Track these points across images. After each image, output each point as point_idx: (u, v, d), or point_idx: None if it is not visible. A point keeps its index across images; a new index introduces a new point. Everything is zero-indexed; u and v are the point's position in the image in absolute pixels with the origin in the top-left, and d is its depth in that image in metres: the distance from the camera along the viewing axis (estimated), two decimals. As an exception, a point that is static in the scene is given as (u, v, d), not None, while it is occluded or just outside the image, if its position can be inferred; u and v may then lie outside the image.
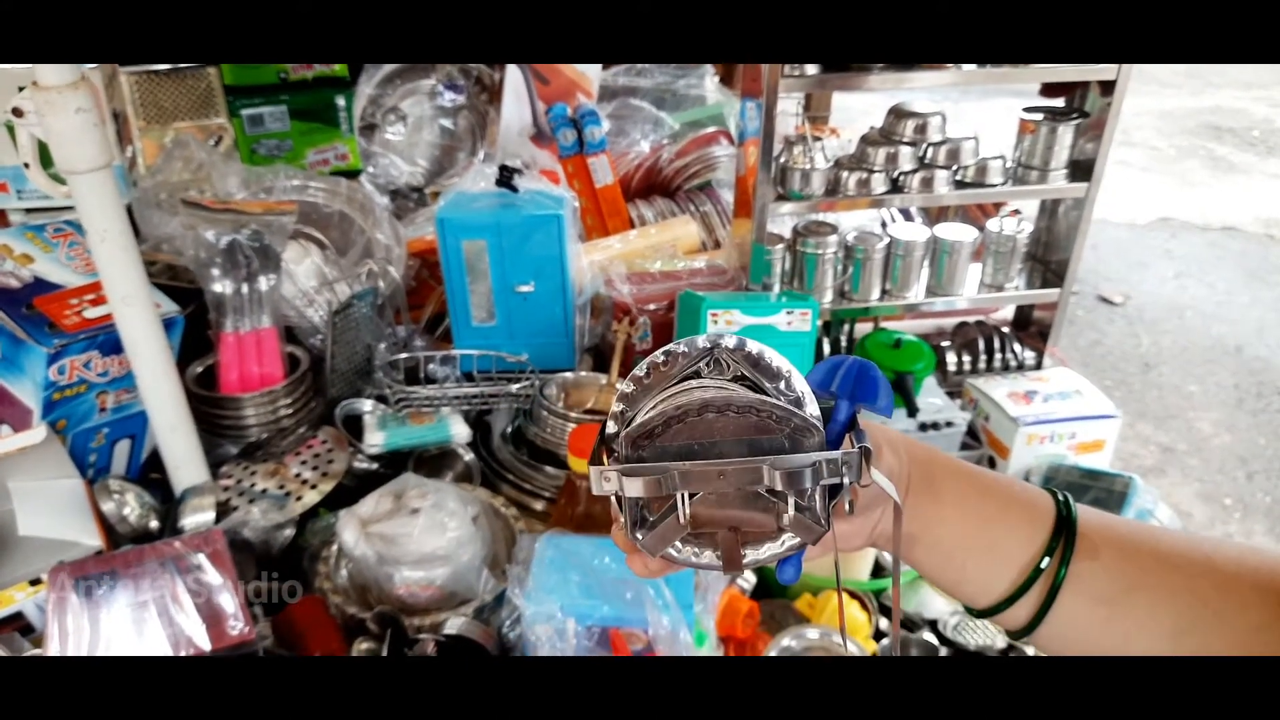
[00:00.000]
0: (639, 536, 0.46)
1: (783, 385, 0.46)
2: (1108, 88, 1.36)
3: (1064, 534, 0.55)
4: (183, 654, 0.89)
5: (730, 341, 0.47)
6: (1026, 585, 0.55)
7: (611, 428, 0.47)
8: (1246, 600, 0.52)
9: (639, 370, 0.48)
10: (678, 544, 0.47)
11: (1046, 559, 0.54)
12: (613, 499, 0.46)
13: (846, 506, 0.47)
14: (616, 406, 0.47)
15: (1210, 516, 2.84)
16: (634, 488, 0.45)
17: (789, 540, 0.46)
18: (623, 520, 0.47)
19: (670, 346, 0.47)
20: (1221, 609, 0.52)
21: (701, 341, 0.47)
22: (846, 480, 0.45)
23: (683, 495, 0.45)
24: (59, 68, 0.94)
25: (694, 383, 0.47)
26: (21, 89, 0.98)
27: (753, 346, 0.47)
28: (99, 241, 1.01)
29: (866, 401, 0.48)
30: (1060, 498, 0.56)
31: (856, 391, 0.48)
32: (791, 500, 0.45)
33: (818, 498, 0.45)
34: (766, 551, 0.47)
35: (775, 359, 0.46)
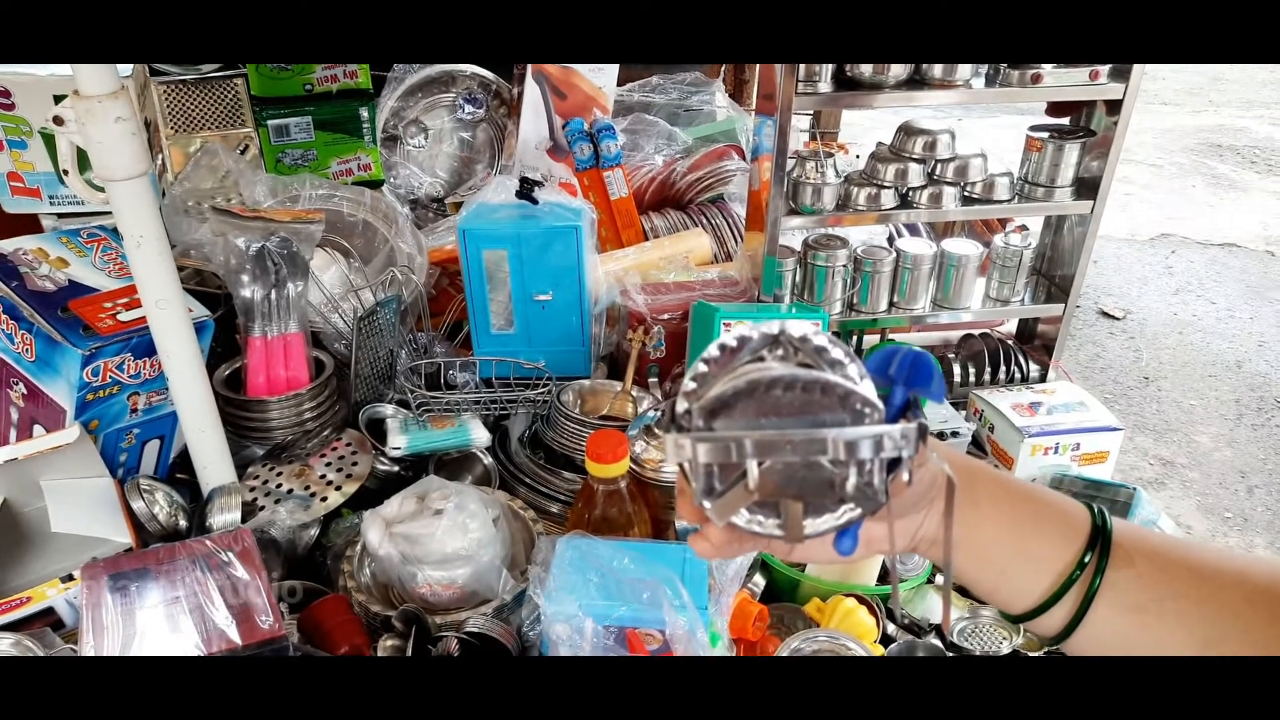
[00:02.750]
0: (707, 505, 0.49)
1: (843, 371, 0.49)
2: (1113, 106, 1.40)
3: (1100, 542, 0.57)
4: (215, 649, 0.92)
5: (795, 330, 0.50)
6: (1063, 590, 0.57)
7: (683, 405, 0.50)
8: (1276, 614, 0.53)
9: (710, 352, 0.51)
10: (743, 512, 0.50)
11: (1082, 566, 0.56)
12: (683, 468, 0.50)
13: (906, 477, 0.49)
14: (689, 384, 0.51)
15: (1210, 530, 2.87)
16: (706, 454, 0.48)
17: (848, 512, 0.49)
18: (693, 488, 0.50)
19: (739, 331, 0.50)
20: (1251, 621, 0.53)
21: (768, 328, 0.50)
22: (905, 454, 0.48)
23: (751, 462, 0.48)
24: (99, 78, 0.97)
25: (760, 364, 0.50)
26: (58, 98, 1.01)
27: (815, 334, 0.50)
28: (135, 247, 1.04)
29: (921, 387, 0.51)
30: (1095, 508, 0.58)
31: (911, 378, 0.51)
32: (853, 471, 0.47)
33: (876, 471, 0.48)
34: (826, 523, 0.50)
35: (836, 347, 0.50)
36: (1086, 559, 0.57)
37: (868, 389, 0.49)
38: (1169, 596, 0.55)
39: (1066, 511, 0.59)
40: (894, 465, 0.49)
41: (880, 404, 0.48)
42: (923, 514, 0.58)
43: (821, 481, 0.48)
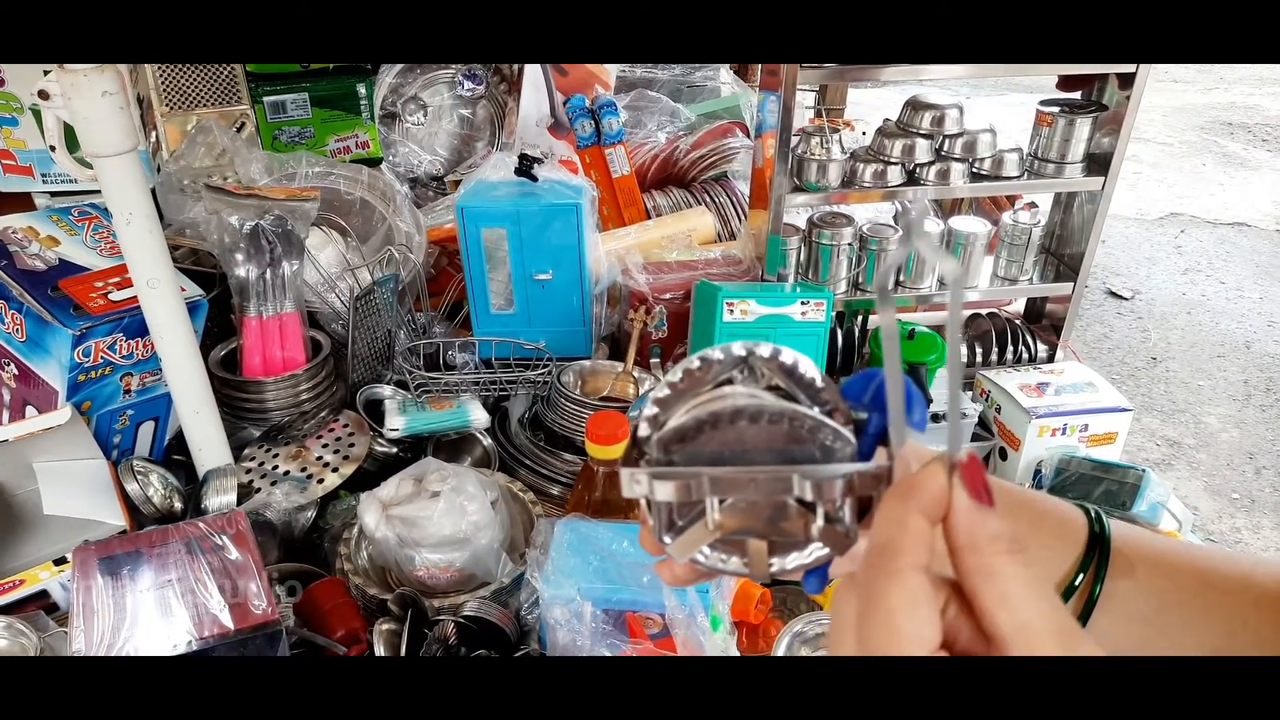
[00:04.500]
0: (667, 540, 0.47)
1: (815, 395, 0.46)
2: (1126, 81, 1.36)
3: (1098, 550, 0.54)
4: (207, 634, 0.91)
5: (765, 350, 0.47)
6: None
7: (644, 430, 0.47)
8: None
9: (673, 375, 0.48)
10: (705, 549, 0.47)
11: (1081, 576, 0.54)
12: (642, 502, 0.47)
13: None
14: (650, 410, 0.47)
15: (1217, 511, 2.85)
16: (663, 491, 0.45)
17: (816, 551, 0.46)
18: (651, 524, 0.47)
19: (705, 353, 0.47)
20: (1260, 628, 0.51)
21: (736, 349, 0.47)
22: (877, 495, 0.44)
23: (712, 500, 0.45)
24: (86, 52, 0.95)
25: (727, 389, 0.47)
26: (47, 72, 0.99)
27: (787, 356, 0.47)
28: (125, 225, 1.02)
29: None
30: (1093, 514, 0.56)
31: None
32: (821, 511, 0.45)
33: (847, 509, 0.45)
34: (793, 562, 0.46)
35: (809, 369, 0.46)
36: (1085, 568, 0.54)
37: (841, 419, 0.46)
38: (1172, 605, 0.53)
39: (1063, 518, 0.56)
40: (869, 499, 0.46)
41: (853, 438, 0.45)
42: None
43: (788, 520, 0.45)
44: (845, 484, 0.44)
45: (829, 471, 0.44)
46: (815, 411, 0.45)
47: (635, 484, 0.45)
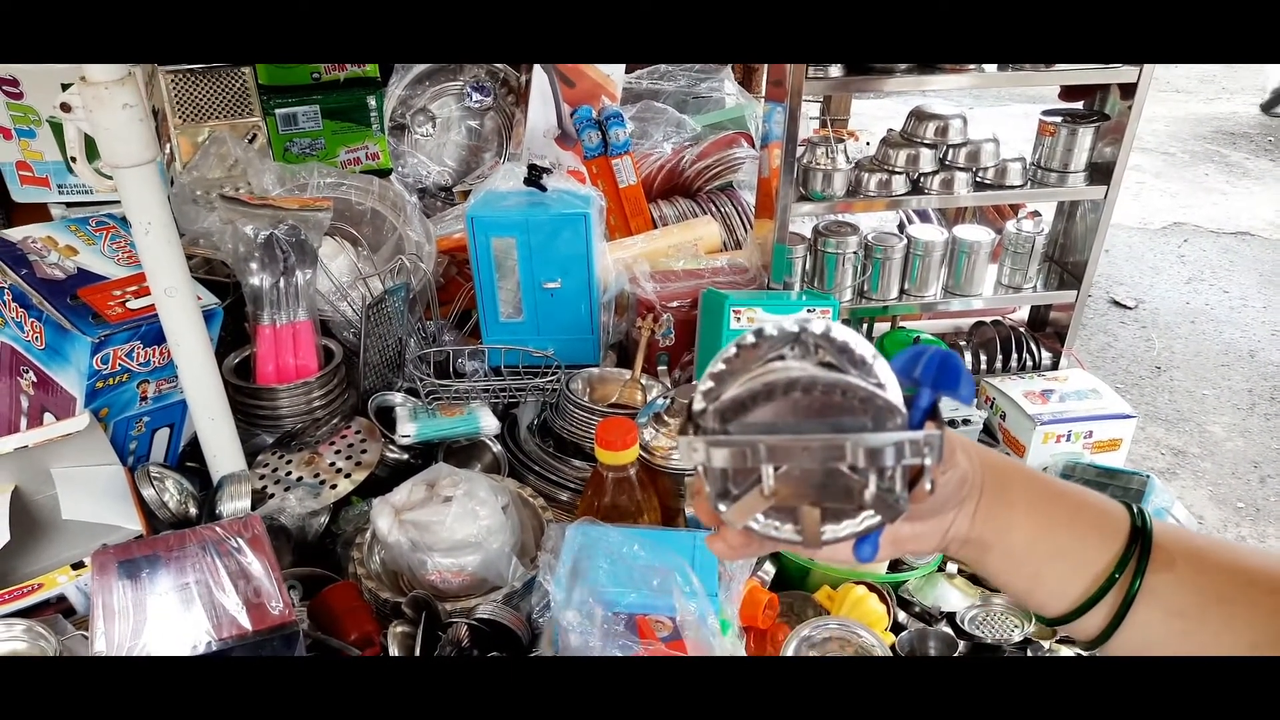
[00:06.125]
0: (722, 508, 0.48)
1: (867, 371, 0.47)
2: (1128, 90, 1.38)
3: (1139, 544, 0.54)
4: (225, 635, 0.92)
5: (817, 326, 0.48)
6: (1100, 594, 0.55)
7: (699, 404, 0.48)
8: None
9: (728, 351, 0.49)
10: (759, 517, 0.48)
11: (1120, 570, 0.54)
12: (699, 470, 0.48)
13: (928, 486, 0.48)
14: (705, 384, 0.49)
15: (1222, 520, 2.85)
16: (720, 458, 0.46)
17: (868, 519, 0.47)
18: (707, 491, 0.48)
19: (758, 328, 0.48)
20: None
21: (789, 325, 0.48)
22: (928, 462, 0.46)
23: (767, 468, 0.46)
24: (106, 64, 0.97)
25: (780, 364, 0.48)
26: (65, 86, 1.01)
27: (838, 332, 0.48)
28: (143, 234, 1.04)
29: (948, 389, 0.48)
30: (1135, 509, 0.56)
31: (939, 380, 0.48)
32: (873, 478, 0.46)
33: (898, 478, 0.46)
34: (845, 529, 0.48)
35: (860, 345, 0.48)
36: (1126, 561, 0.55)
37: (891, 392, 0.47)
38: (1213, 600, 0.53)
39: (1105, 511, 0.57)
40: (918, 472, 0.48)
41: (904, 408, 0.46)
42: (952, 514, 0.56)
43: (840, 488, 0.46)
44: (896, 451, 0.45)
45: (881, 439, 0.45)
46: (867, 384, 0.46)
47: (693, 452, 0.47)
